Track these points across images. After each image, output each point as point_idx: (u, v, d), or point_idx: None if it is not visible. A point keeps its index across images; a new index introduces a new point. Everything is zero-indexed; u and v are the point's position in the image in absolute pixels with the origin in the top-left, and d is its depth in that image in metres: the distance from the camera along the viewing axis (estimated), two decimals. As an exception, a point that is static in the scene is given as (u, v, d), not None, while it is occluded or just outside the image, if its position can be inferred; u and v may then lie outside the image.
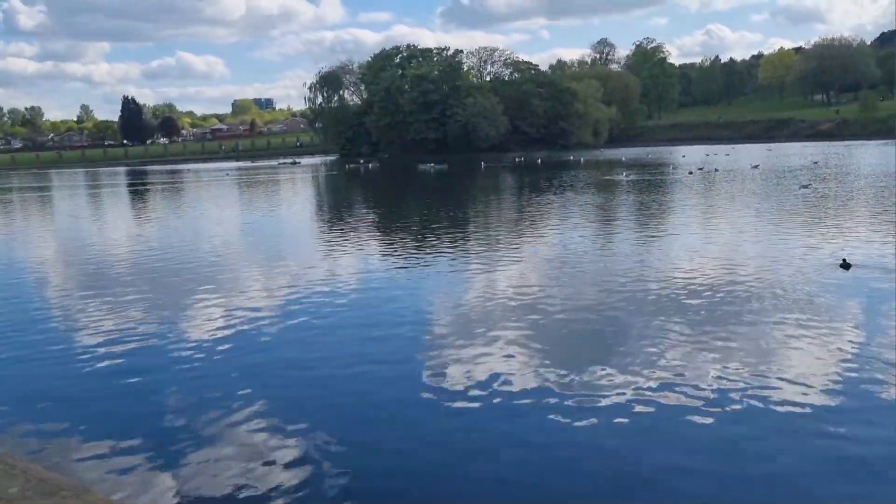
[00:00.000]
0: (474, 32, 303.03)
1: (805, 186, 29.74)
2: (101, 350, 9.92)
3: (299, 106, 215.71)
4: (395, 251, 17.78)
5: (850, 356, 8.35)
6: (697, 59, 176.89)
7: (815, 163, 45.02)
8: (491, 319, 10.72)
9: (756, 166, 43.92)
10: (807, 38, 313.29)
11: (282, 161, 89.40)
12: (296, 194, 41.91)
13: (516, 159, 64.17)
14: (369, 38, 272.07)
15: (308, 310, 11.83)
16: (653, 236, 18.87)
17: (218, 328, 10.81)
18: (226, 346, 9.87)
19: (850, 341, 8.97)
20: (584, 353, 8.91)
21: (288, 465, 6.30)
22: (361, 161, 69.78)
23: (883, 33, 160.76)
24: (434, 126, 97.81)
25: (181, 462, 6.42)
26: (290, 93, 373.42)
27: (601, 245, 17.57)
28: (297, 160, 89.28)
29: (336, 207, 33.23)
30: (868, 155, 51.75)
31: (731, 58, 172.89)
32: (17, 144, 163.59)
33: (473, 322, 10.63)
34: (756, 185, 32.27)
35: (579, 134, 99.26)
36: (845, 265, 13.60)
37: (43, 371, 9.21)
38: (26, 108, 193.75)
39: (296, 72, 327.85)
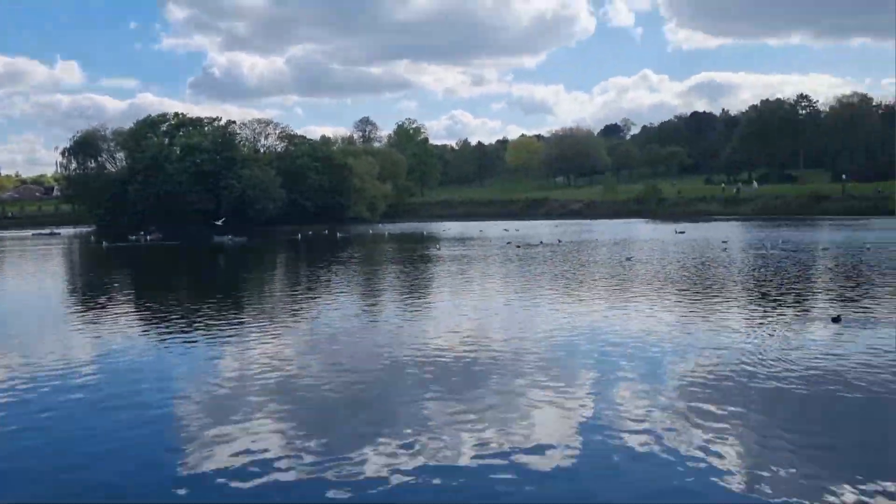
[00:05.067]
0: (226, 105, 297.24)
1: (629, 258, 32.31)
2: None
3: (30, 173, 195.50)
4: (181, 327, 17.08)
5: (590, 418, 9.35)
6: (445, 142, 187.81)
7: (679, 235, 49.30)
8: (252, 396, 10.64)
9: (544, 242, 47.20)
10: (538, 126, 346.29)
11: (36, 232, 79.46)
12: (67, 270, 37.56)
13: (302, 234, 62.27)
14: (111, 105, 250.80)
15: (43, 391, 11.20)
16: (420, 308, 19.81)
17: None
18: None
19: (586, 405, 10.05)
20: (343, 428, 9.07)
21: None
22: (142, 232, 64.17)
23: (607, 126, 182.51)
24: (207, 197, 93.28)
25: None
26: (17, 157, 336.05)
27: (383, 318, 18.23)
28: (56, 230, 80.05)
29: (133, 284, 30.42)
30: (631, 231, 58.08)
31: (479, 141, 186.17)
32: None
33: (230, 399, 10.48)
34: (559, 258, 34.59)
35: (356, 209, 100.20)
36: (836, 319, 15.24)
37: None
38: None
39: (26, 136, 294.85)
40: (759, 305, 18.63)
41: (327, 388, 11.04)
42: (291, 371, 12.22)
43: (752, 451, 8.14)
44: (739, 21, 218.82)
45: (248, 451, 8.33)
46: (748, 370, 11.62)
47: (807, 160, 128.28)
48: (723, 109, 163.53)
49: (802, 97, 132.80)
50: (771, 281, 23.90)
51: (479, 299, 21.19)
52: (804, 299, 19.86)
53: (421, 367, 12.28)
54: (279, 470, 7.74)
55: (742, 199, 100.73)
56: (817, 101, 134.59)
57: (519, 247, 41.76)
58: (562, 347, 13.90)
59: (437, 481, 7.46)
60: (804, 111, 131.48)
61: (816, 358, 12.51)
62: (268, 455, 8.20)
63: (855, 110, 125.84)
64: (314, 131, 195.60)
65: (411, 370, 12.11)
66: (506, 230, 61.07)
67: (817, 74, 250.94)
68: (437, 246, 43.92)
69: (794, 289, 22.03)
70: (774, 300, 19.57)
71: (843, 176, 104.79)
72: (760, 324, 15.87)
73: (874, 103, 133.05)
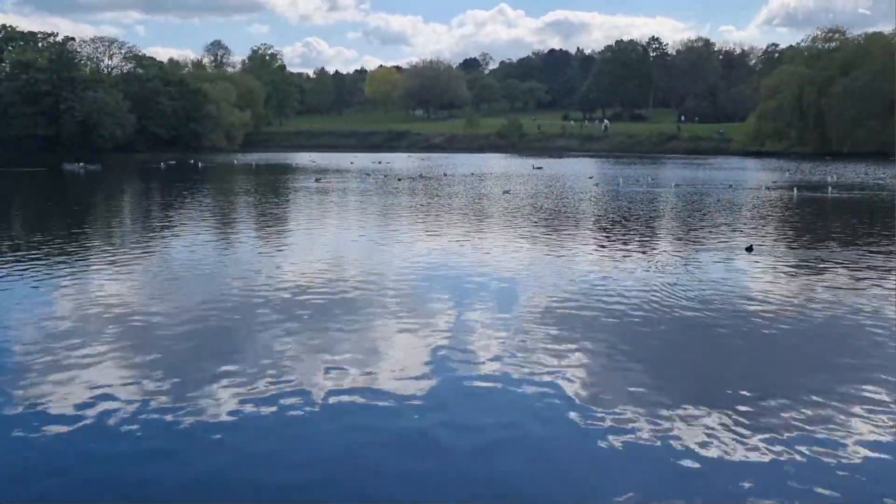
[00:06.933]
0: (56, 19, 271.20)
1: (506, 191, 32.73)
2: None
3: None
4: (18, 259, 15.35)
5: (450, 347, 9.42)
6: (300, 70, 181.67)
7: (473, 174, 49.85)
8: (94, 331, 9.98)
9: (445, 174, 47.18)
10: (396, 58, 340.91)
11: None
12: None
13: (162, 164, 58.00)
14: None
15: None
16: (296, 241, 19.26)
17: None
18: None
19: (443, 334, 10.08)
20: (197, 363, 8.72)
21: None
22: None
23: (465, 59, 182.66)
24: (44, 121, 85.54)
25: None
26: None
27: (262, 250, 17.46)
28: None
29: None
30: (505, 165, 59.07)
31: (336, 70, 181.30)
32: None
33: (70, 335, 9.72)
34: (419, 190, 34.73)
35: (212, 137, 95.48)
36: (749, 248, 16.13)
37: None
38: None
39: None
40: (665, 238, 19.36)
41: (176, 323, 10.41)
42: (137, 305, 11.45)
43: (597, 379, 8.41)
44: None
45: (91, 387, 7.82)
46: (659, 299, 11.91)
47: (655, 101, 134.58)
48: (578, 48, 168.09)
49: (654, 39, 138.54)
50: (663, 216, 25.00)
51: (367, 232, 20.65)
52: (706, 231, 20.53)
53: (271, 300, 11.78)
54: (125, 407, 7.29)
55: (597, 137, 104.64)
56: (667, 44, 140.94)
57: (400, 179, 41.36)
58: (443, 280, 13.76)
59: (295, 414, 7.27)
60: (654, 53, 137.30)
61: (726, 287, 13.04)
62: (112, 391, 7.70)
63: (699, 54, 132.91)
64: (159, 53, 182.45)
65: (261, 303, 11.55)
66: (378, 162, 60.26)
67: (663, 18, 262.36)
68: (317, 178, 42.63)
69: (687, 222, 23.04)
70: (674, 233, 20.42)
71: (682, 118, 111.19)
72: (676, 256, 16.37)
73: (715, 48, 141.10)
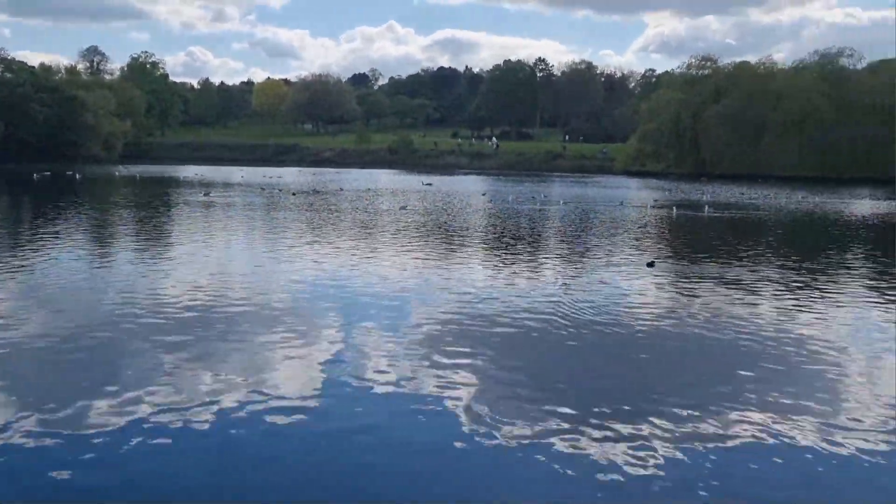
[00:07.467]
0: None
1: (403, 207, 32.75)
2: None
3: None
4: None
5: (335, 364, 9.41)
6: (184, 79, 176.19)
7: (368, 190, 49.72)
8: None
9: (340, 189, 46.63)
10: (283, 71, 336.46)
11: None
12: None
13: (35, 175, 53.74)
14: None
15: None
16: (176, 257, 18.03)
17: None
18: None
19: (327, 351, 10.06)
20: (71, 385, 8.39)
21: None
22: None
23: (355, 74, 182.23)
24: None
25: None
26: None
27: (135, 267, 16.40)
28: None
29: None
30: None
31: (221, 81, 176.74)
32: None
33: None
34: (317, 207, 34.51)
35: (90, 146, 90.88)
36: (651, 264, 16.55)
37: None
38: None
39: None
40: (561, 254, 19.76)
41: (45, 343, 9.83)
42: (2, 324, 10.67)
43: (492, 390, 8.51)
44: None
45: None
46: (548, 316, 11.98)
47: (542, 121, 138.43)
48: (466, 66, 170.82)
49: (541, 60, 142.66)
50: (557, 232, 25.60)
51: (263, 248, 20.02)
52: (601, 247, 21.06)
53: (157, 317, 11.27)
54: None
55: (487, 155, 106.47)
56: (553, 65, 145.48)
57: (294, 194, 40.63)
58: (337, 295, 13.56)
59: (171, 432, 7.07)
60: (541, 73, 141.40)
61: (624, 300, 13.41)
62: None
63: (583, 76, 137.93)
64: (28, 57, 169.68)
65: (145, 321, 11.03)
66: (269, 177, 58.99)
67: (548, 41, 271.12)
68: (205, 192, 41.18)
69: (580, 238, 23.64)
70: (569, 249, 20.85)
71: (566, 137, 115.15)
72: (573, 271, 16.74)
73: (598, 71, 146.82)
